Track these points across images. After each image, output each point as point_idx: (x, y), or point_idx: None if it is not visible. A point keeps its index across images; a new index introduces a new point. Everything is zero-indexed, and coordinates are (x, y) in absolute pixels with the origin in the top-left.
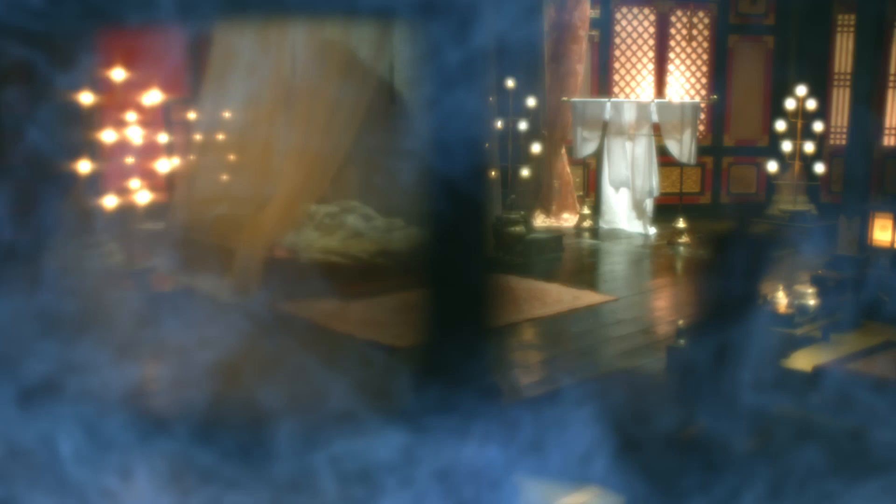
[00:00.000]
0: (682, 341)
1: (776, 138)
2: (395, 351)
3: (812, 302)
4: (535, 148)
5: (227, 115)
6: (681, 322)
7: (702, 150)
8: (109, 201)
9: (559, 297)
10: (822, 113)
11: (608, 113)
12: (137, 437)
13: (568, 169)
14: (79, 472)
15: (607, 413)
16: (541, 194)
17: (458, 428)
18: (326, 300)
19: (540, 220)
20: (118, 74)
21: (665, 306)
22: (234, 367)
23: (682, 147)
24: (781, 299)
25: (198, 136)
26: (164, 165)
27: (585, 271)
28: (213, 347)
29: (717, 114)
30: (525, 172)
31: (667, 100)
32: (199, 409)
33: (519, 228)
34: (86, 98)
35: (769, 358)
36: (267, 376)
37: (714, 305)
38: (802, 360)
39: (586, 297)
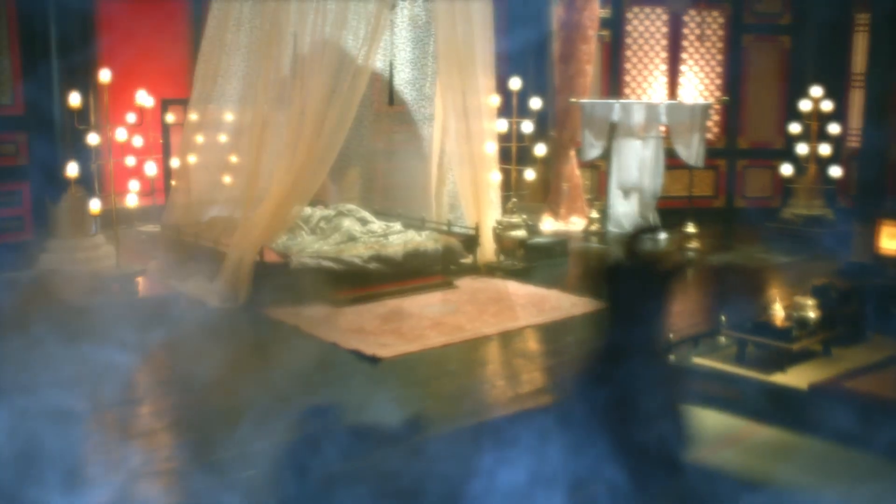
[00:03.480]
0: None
1: (792, 140)
2: (378, 361)
3: (812, 314)
4: (539, 150)
5: (223, 115)
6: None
7: (715, 153)
8: (107, 202)
9: (557, 303)
10: (840, 115)
11: (617, 114)
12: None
13: (577, 171)
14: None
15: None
16: (549, 197)
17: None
18: (315, 307)
19: (549, 224)
20: (115, 75)
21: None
22: (201, 376)
23: (691, 149)
24: (778, 312)
25: (195, 137)
26: (161, 166)
27: (586, 277)
28: (184, 355)
29: (732, 115)
30: (530, 175)
31: (677, 101)
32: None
33: (520, 233)
34: (85, 97)
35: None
36: (235, 386)
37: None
38: (798, 377)
39: (584, 305)
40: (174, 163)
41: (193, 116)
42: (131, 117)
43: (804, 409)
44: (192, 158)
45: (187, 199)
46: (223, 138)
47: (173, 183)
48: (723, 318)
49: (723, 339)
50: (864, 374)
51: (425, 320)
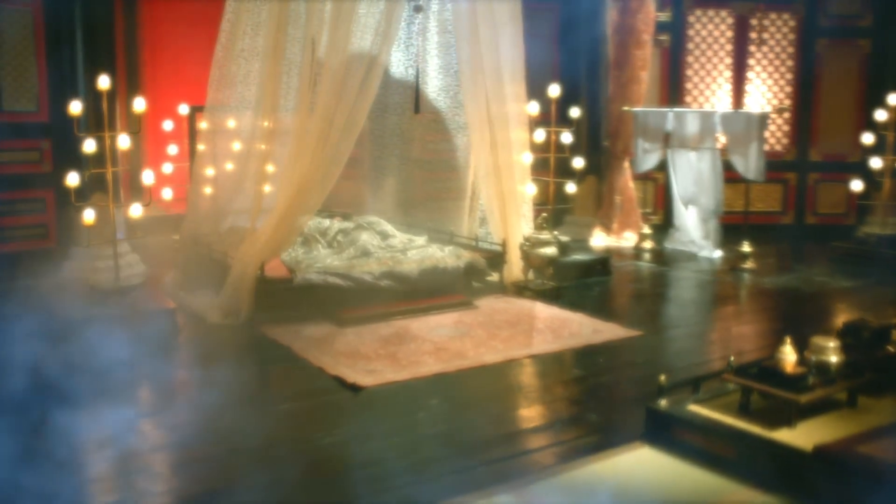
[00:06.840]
0: None
1: (867, 153)
2: (358, 390)
3: (834, 358)
4: (577, 162)
5: (239, 122)
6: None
7: (785, 165)
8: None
9: (578, 329)
10: None
11: (670, 123)
12: None
13: (631, 184)
14: None
15: None
16: (601, 211)
17: None
18: (317, 326)
19: (599, 239)
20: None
21: (691, 348)
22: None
23: (749, 161)
24: (788, 354)
25: (209, 145)
26: (183, 175)
27: (622, 299)
28: (139, 375)
29: (803, 126)
30: (571, 188)
31: (737, 109)
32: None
33: (549, 250)
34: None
35: None
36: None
37: None
38: (806, 435)
39: (608, 331)
40: (209, 171)
41: (207, 124)
42: (168, 125)
43: (807, 475)
44: (212, 167)
45: (206, 207)
46: (237, 146)
47: (208, 190)
48: (731, 358)
49: (730, 384)
50: (888, 434)
51: (427, 344)
